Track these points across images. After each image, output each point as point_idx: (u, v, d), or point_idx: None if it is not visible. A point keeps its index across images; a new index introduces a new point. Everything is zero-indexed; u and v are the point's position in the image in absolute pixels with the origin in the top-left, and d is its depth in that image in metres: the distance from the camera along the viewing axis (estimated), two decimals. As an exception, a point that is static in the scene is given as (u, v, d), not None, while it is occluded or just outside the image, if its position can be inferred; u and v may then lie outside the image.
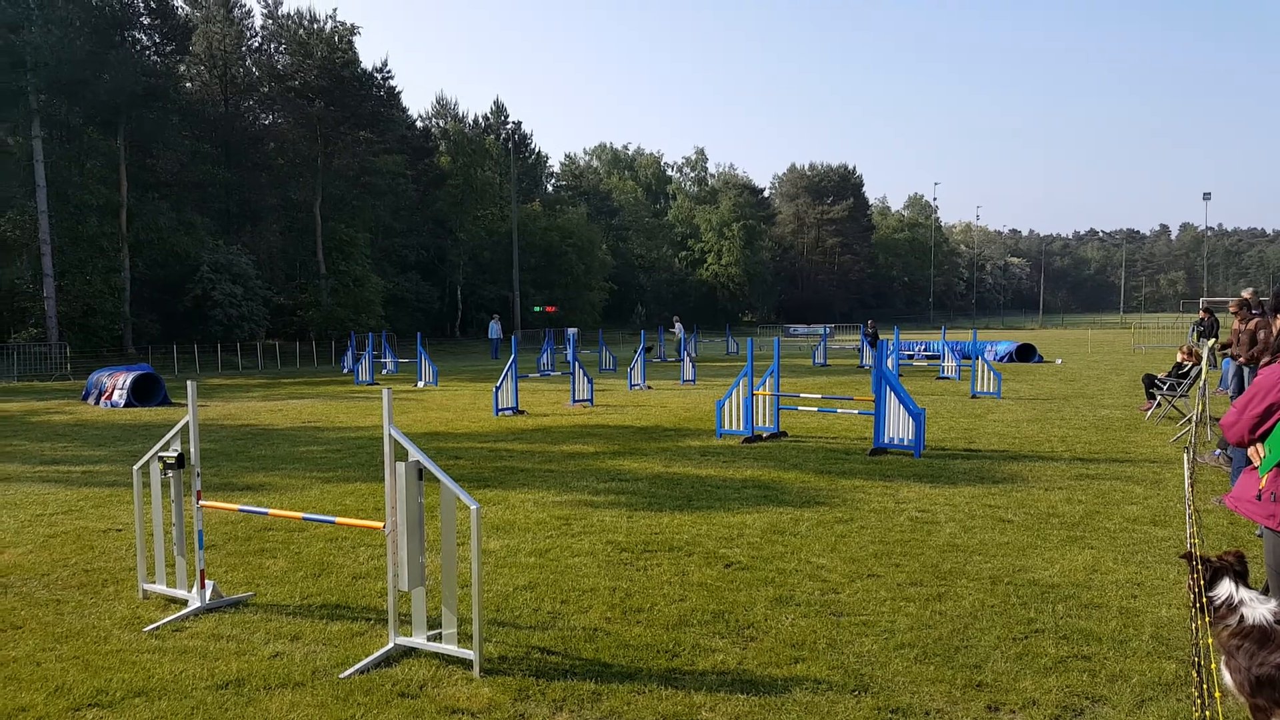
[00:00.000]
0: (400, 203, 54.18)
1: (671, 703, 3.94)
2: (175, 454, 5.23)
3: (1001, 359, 28.88)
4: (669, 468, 9.79)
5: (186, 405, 5.18)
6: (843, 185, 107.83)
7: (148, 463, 5.40)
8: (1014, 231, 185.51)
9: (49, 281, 34.38)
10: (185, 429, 5.22)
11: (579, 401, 17.03)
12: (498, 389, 15.66)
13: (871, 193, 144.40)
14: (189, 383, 5.22)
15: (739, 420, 12.01)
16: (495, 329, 39.35)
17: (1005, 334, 59.08)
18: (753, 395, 11.84)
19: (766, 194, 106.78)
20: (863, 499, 8.04)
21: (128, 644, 4.72)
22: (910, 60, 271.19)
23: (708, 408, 15.89)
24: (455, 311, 60.27)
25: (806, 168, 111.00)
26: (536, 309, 56.62)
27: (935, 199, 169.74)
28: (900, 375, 19.15)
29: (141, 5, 40.12)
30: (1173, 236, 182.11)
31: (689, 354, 19.21)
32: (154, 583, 5.46)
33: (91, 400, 19.40)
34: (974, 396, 17.78)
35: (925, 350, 31.29)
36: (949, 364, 23.35)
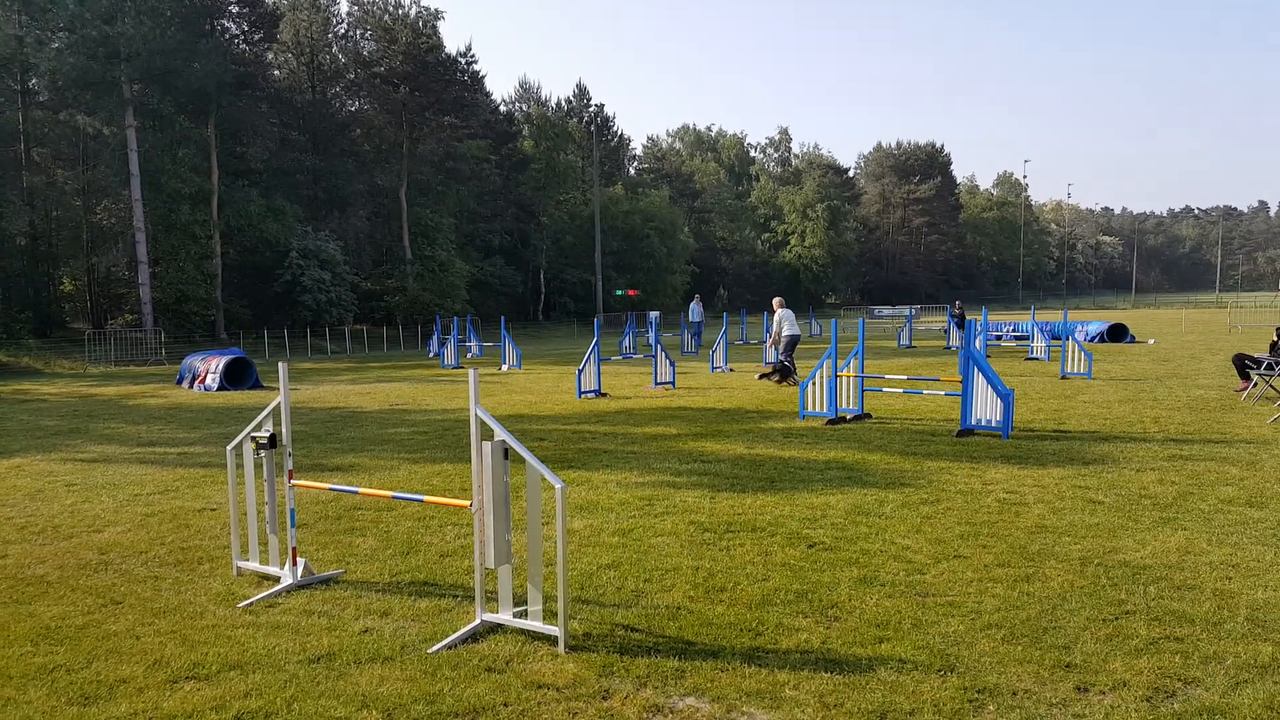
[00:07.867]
0: (484, 187, 54.85)
1: (755, 680, 3.91)
2: (267, 434, 5.37)
3: (1092, 339, 27.83)
4: (751, 449, 9.72)
5: (277, 389, 5.31)
6: (930, 164, 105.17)
7: (241, 443, 5.54)
8: (1106, 210, 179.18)
9: (144, 269, 35.61)
10: (277, 410, 5.35)
11: (661, 384, 17.04)
12: (580, 371, 15.77)
13: (960, 171, 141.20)
14: (281, 365, 5.34)
15: (822, 402, 11.84)
16: (696, 311, 32.12)
17: (1097, 314, 56.95)
18: (836, 377, 11.66)
19: (851, 174, 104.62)
20: (949, 480, 7.84)
21: (223, 619, 4.87)
22: (1000, 36, 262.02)
23: (790, 390, 15.74)
24: (538, 295, 60.90)
25: (893, 146, 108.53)
26: (619, 293, 56.77)
27: (1025, 177, 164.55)
28: (988, 356, 18.55)
29: (231, -6, 41.21)
30: (1271, 213, 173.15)
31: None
32: (248, 560, 5.63)
33: (185, 384, 20.04)
34: (1064, 377, 17.19)
35: (1014, 331, 30.36)
36: (1038, 344, 22.59)
